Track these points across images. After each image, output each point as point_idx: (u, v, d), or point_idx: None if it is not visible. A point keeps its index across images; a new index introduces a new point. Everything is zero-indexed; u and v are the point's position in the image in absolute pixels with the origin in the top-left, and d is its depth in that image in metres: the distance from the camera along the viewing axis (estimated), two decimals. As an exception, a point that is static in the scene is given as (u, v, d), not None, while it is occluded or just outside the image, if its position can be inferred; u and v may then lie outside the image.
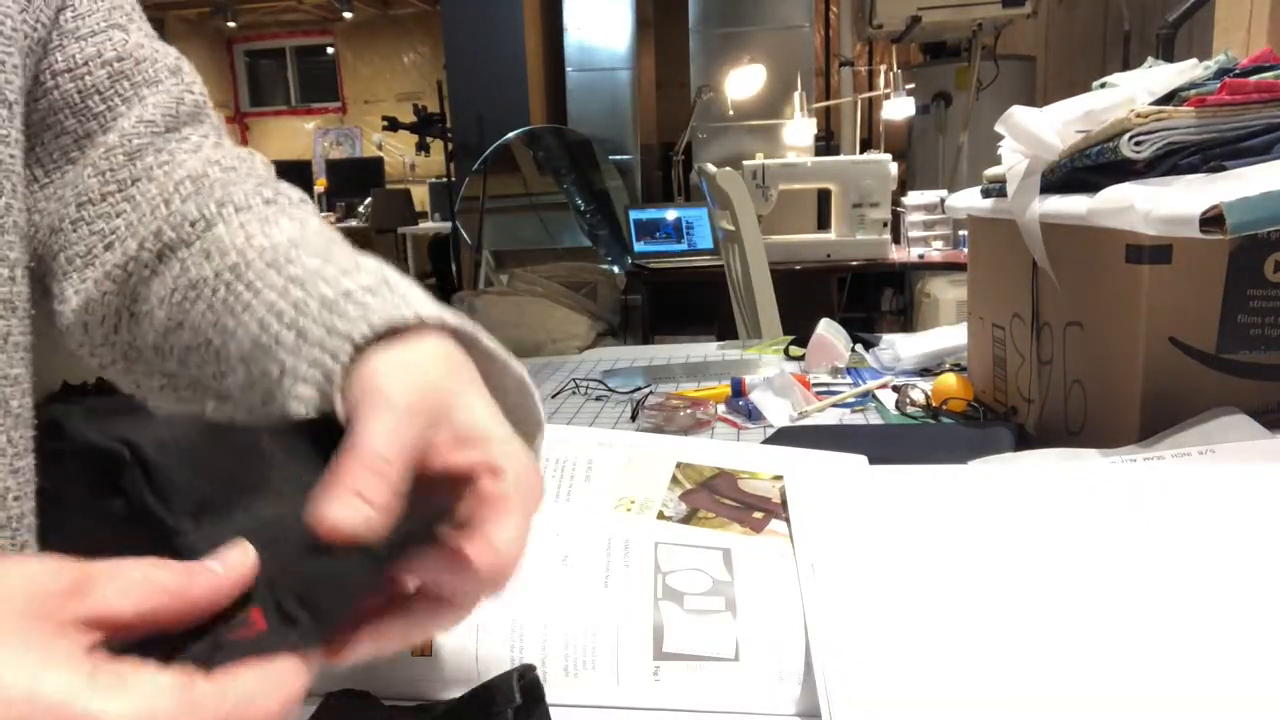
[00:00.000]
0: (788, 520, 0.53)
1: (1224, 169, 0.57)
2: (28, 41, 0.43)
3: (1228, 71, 0.64)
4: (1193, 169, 0.59)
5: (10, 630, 0.24)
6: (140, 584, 0.27)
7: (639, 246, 3.30)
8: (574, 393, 1.11)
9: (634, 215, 3.36)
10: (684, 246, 3.29)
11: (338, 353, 0.34)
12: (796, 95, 3.59)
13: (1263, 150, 0.58)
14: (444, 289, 4.53)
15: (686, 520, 0.53)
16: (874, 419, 0.93)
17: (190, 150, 0.47)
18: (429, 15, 6.68)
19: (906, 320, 3.41)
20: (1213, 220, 0.51)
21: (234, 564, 0.29)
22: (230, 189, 0.44)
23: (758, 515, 0.54)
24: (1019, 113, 0.72)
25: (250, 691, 0.27)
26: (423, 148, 5.23)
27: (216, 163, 0.46)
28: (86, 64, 0.45)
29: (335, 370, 0.34)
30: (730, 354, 1.35)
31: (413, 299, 0.37)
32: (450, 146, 4.43)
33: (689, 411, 0.92)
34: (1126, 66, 1.36)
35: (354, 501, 0.30)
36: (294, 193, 0.48)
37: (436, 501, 0.34)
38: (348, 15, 6.65)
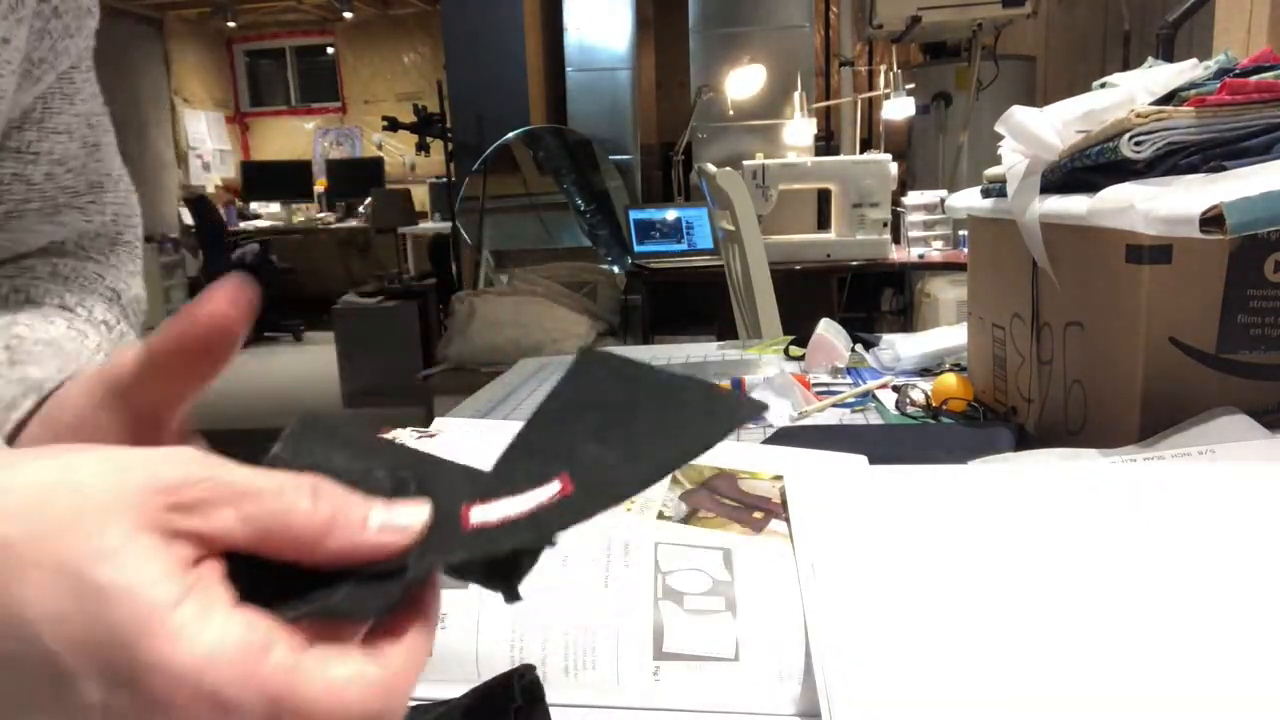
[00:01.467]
0: (788, 520, 0.53)
1: (1224, 169, 0.57)
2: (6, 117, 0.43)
3: (1228, 71, 0.64)
4: (1193, 169, 0.59)
5: (116, 525, 0.22)
6: (269, 519, 0.24)
7: (639, 246, 3.30)
8: (574, 393, 1.11)
9: (634, 215, 3.36)
10: (684, 246, 3.29)
11: None
12: (796, 95, 3.60)
13: (1263, 150, 0.58)
14: (444, 289, 4.53)
15: (686, 520, 0.53)
16: (874, 419, 0.93)
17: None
18: (429, 15, 6.67)
19: (906, 320, 3.41)
20: (1213, 220, 0.51)
21: (401, 526, 0.26)
22: (38, 277, 0.45)
23: (758, 515, 0.54)
24: (1019, 113, 0.72)
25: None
26: (423, 148, 5.22)
27: (53, 264, 0.47)
28: (36, 155, 0.45)
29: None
30: (730, 354, 1.35)
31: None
32: (450, 146, 4.43)
33: (689, 411, 0.92)
34: (1126, 66, 1.36)
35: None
36: (109, 294, 0.47)
37: None
38: (348, 15, 6.65)
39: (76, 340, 0.42)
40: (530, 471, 0.29)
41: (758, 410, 0.33)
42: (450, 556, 0.26)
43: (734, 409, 0.32)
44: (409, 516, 0.26)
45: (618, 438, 0.30)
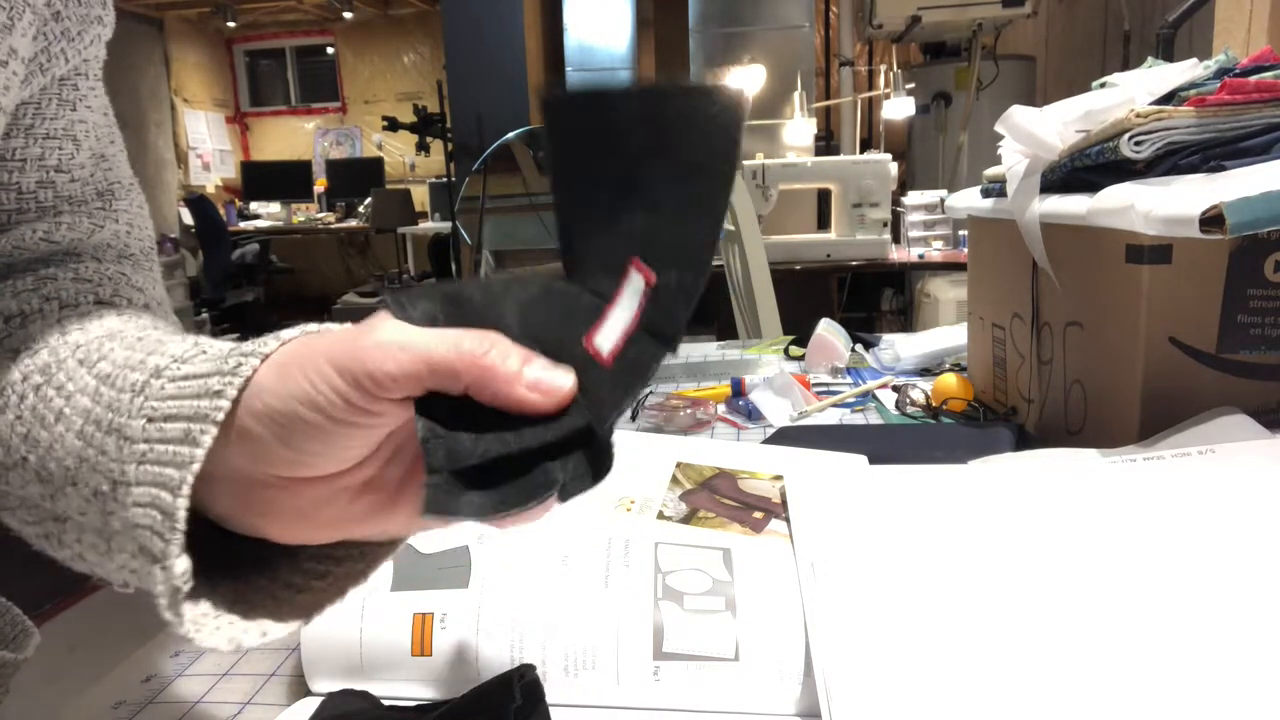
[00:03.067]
0: (788, 520, 0.53)
1: (1224, 169, 0.57)
2: None
3: (1228, 71, 0.64)
4: (1193, 169, 0.59)
5: None
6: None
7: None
8: (574, 393, 1.11)
9: (634, 215, 3.36)
10: (684, 246, 3.29)
11: (192, 435, 0.30)
12: (796, 95, 3.60)
13: (1263, 150, 0.58)
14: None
15: (686, 520, 0.53)
16: (874, 419, 0.93)
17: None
18: (429, 15, 6.67)
19: (906, 320, 3.42)
20: (1213, 220, 0.51)
21: (551, 387, 0.29)
22: (63, 287, 0.41)
23: (758, 515, 0.54)
24: (1019, 113, 0.72)
25: None
26: (423, 148, 5.22)
27: (74, 269, 0.43)
28: (23, 162, 0.43)
29: (190, 456, 0.30)
30: (730, 354, 1.35)
31: (241, 347, 0.33)
32: (450, 146, 4.44)
33: (689, 411, 0.92)
34: (1126, 66, 1.36)
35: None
36: (142, 298, 0.44)
37: None
38: (348, 15, 6.65)
39: (133, 319, 0.40)
40: (603, 266, 0.30)
41: (738, 99, 0.31)
42: (622, 405, 0.29)
43: (725, 103, 0.30)
44: (557, 379, 0.29)
45: (654, 195, 0.30)
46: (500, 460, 0.28)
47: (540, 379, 0.29)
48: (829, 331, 1.17)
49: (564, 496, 0.29)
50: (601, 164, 0.31)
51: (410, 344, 0.29)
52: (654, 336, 0.29)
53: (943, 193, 3.10)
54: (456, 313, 0.30)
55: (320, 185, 6.71)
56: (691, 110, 0.30)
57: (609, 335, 0.29)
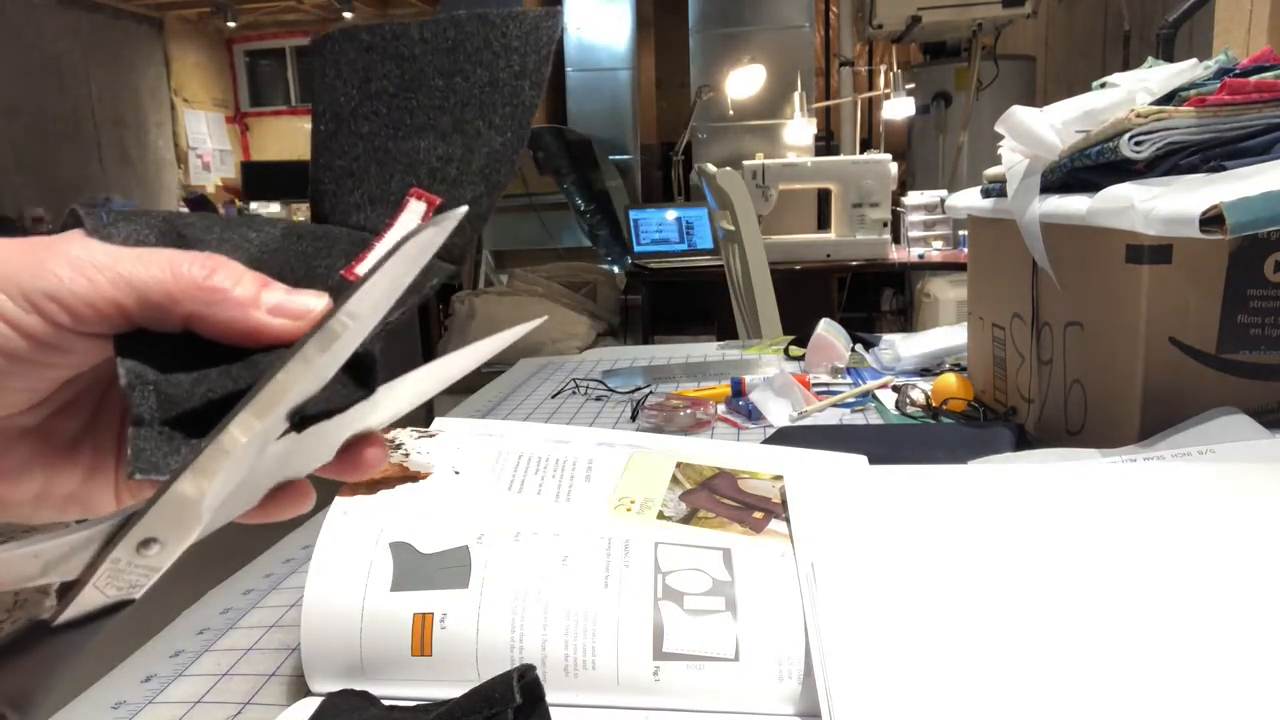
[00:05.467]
0: (788, 520, 0.53)
1: (1224, 169, 0.57)
2: None
3: (1228, 71, 0.64)
4: (1193, 169, 0.59)
5: None
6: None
7: (639, 246, 3.30)
8: (574, 393, 1.11)
9: (634, 215, 3.36)
10: (684, 246, 3.29)
11: None
12: (796, 95, 3.60)
13: (1263, 150, 0.58)
14: (444, 289, 4.53)
15: (686, 520, 0.53)
16: (874, 419, 0.93)
17: None
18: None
19: (906, 320, 3.42)
20: (1213, 220, 0.51)
21: (300, 309, 0.24)
22: None
23: (758, 515, 0.54)
24: (1019, 113, 0.72)
25: None
26: (423, 148, 5.21)
27: None
28: None
29: None
30: (730, 354, 1.35)
31: None
32: (450, 147, 4.43)
33: (689, 411, 0.92)
34: (1126, 66, 1.36)
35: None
36: None
37: None
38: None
39: None
40: (373, 199, 0.27)
41: (554, 19, 0.29)
42: (389, 319, 0.25)
43: (531, 24, 0.28)
44: (306, 301, 0.25)
45: (435, 123, 0.27)
46: (230, 399, 0.23)
47: (283, 302, 0.24)
48: (829, 331, 1.17)
49: (314, 417, 0.25)
50: (372, 97, 0.28)
51: (114, 263, 0.23)
52: (436, 256, 0.26)
53: (943, 193, 3.10)
54: (173, 244, 0.25)
55: (320, 185, 6.70)
56: (487, 36, 0.28)
57: (374, 262, 0.25)
